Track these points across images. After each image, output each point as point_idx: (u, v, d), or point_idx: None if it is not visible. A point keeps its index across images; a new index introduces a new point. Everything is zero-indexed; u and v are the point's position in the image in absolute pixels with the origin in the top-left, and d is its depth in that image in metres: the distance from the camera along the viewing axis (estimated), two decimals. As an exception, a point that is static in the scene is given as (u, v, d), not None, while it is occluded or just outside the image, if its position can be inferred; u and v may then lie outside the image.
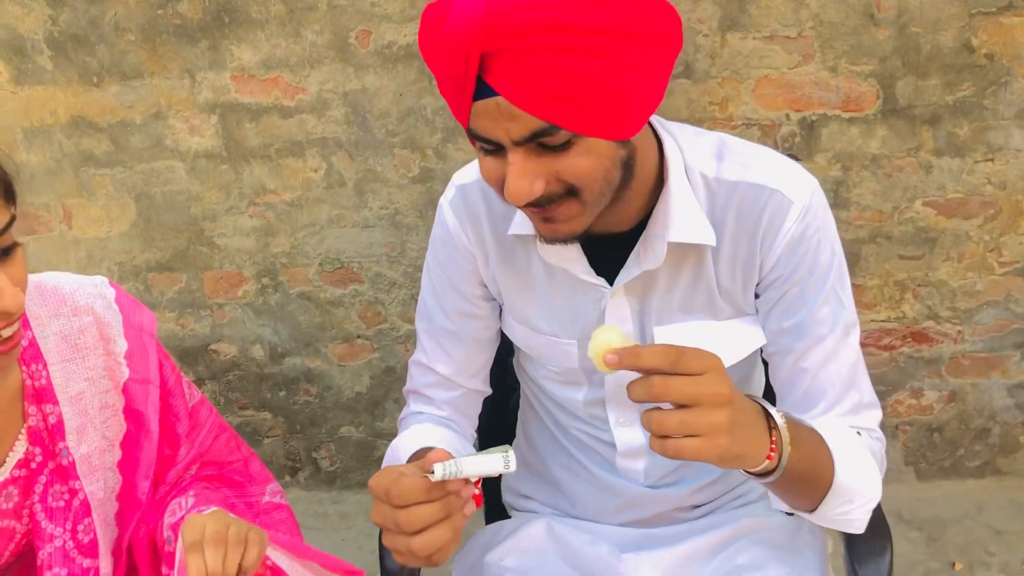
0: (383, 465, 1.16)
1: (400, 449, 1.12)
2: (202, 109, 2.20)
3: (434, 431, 1.16)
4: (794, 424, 0.89)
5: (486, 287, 1.16)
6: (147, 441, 1.10)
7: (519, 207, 0.89)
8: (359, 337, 2.40)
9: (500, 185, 0.90)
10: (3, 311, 0.87)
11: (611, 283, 1.05)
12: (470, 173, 1.14)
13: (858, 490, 0.96)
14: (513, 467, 0.85)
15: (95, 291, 1.10)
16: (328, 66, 2.13)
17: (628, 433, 1.14)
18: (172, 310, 2.42)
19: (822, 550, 1.17)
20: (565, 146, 0.85)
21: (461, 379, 1.21)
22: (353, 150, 2.19)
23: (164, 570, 1.07)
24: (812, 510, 0.97)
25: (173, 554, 1.03)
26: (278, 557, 1.07)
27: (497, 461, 0.85)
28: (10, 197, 0.90)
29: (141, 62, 2.17)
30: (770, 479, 0.87)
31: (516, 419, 1.38)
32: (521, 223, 1.06)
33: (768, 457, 0.84)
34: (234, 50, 2.13)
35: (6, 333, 0.90)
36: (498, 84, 0.82)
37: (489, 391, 1.26)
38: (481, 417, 1.37)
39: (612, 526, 1.20)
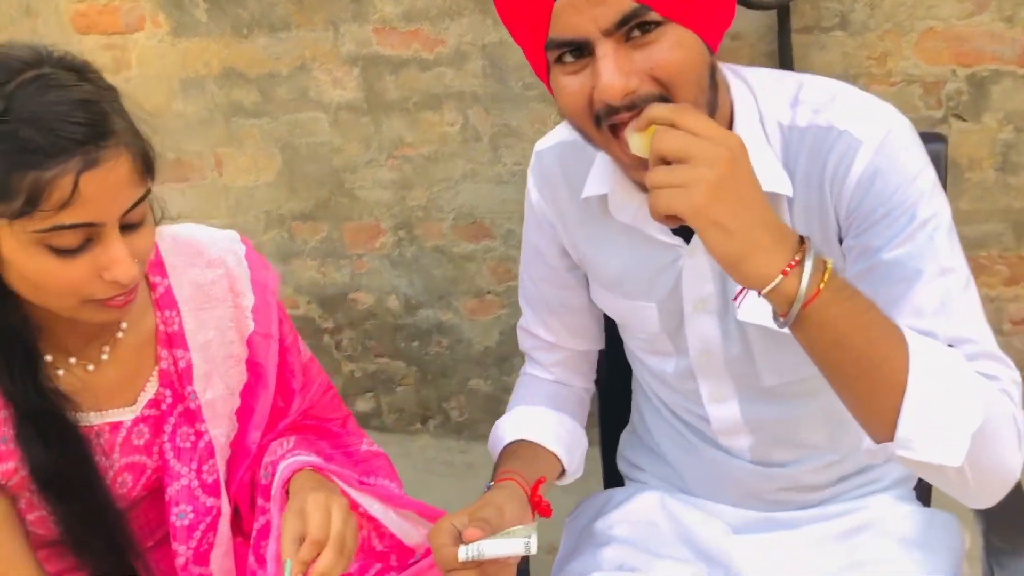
0: (489, 442, 1.19)
1: (501, 434, 1.16)
2: (345, 61, 2.24)
3: (532, 417, 1.17)
4: (848, 285, 0.81)
5: (569, 256, 1.14)
6: (264, 393, 1.14)
7: (615, 103, 0.84)
8: (489, 293, 2.41)
9: (586, 106, 0.87)
10: (114, 280, 0.90)
11: (689, 242, 1.00)
12: (548, 139, 1.12)
13: (948, 406, 0.80)
14: (533, 550, 0.93)
15: (228, 246, 1.14)
16: (467, 18, 2.11)
17: (722, 409, 1.09)
18: (314, 259, 2.50)
19: (957, 546, 1.09)
20: (656, 34, 0.82)
21: (562, 342, 1.21)
22: (489, 104, 2.18)
23: (259, 501, 1.12)
24: (891, 431, 0.82)
25: (269, 487, 1.08)
26: (371, 505, 1.09)
27: (519, 545, 0.94)
28: (149, 172, 0.92)
29: (288, 14, 2.22)
30: (792, 310, 0.77)
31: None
32: (595, 184, 1.03)
33: (783, 272, 0.76)
34: (376, 2, 2.15)
35: (119, 300, 0.93)
36: None
37: (600, 347, 1.25)
38: (607, 383, 1.35)
39: (727, 506, 1.15)
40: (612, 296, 1.11)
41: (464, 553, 0.92)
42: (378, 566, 1.15)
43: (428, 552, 1.16)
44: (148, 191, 0.92)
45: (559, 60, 0.87)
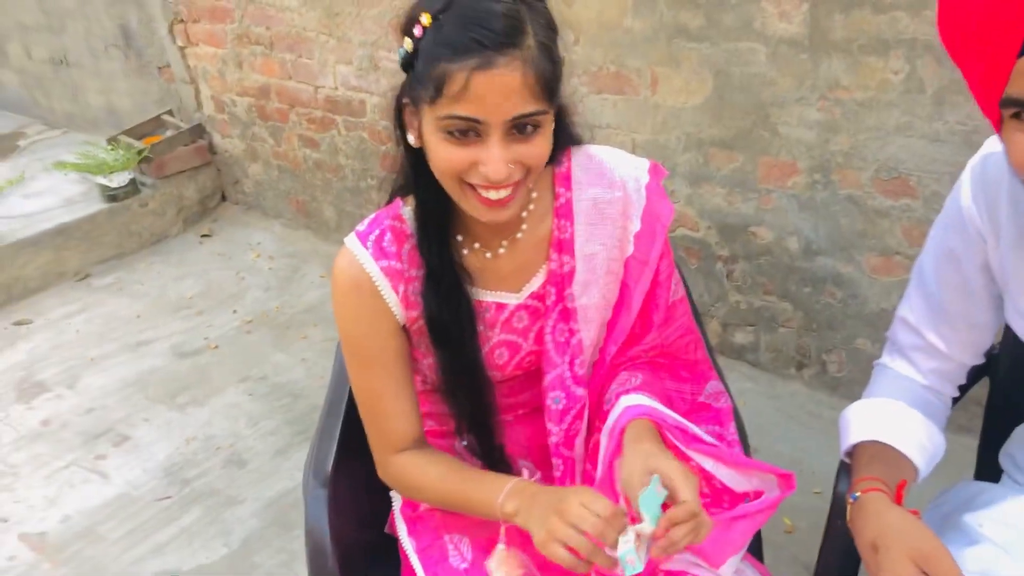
0: (844, 418, 1.17)
1: (861, 424, 1.14)
2: (795, -5, 2.19)
3: (899, 418, 1.12)
4: None
5: (990, 272, 1.05)
6: (626, 313, 1.23)
7: None
8: (898, 253, 2.28)
9: None
10: (484, 175, 1.01)
11: None
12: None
13: None
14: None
15: (632, 173, 1.22)
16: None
17: None
18: (723, 186, 2.54)
19: None
20: None
21: (951, 352, 1.14)
22: (942, 55, 2.01)
23: (596, 423, 1.22)
24: None
25: (607, 413, 1.18)
26: (704, 461, 1.13)
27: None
28: (547, 95, 1.00)
29: (747, -58, 2.22)
30: None
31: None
32: None
33: None
34: (840, -64, 2.07)
35: (492, 195, 1.04)
36: None
37: (982, 361, 1.17)
38: (1006, 373, 1.27)
39: None
40: None
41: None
42: (707, 500, 1.20)
43: (759, 494, 1.20)
44: (544, 111, 1.00)
45: (1016, 116, 0.81)
